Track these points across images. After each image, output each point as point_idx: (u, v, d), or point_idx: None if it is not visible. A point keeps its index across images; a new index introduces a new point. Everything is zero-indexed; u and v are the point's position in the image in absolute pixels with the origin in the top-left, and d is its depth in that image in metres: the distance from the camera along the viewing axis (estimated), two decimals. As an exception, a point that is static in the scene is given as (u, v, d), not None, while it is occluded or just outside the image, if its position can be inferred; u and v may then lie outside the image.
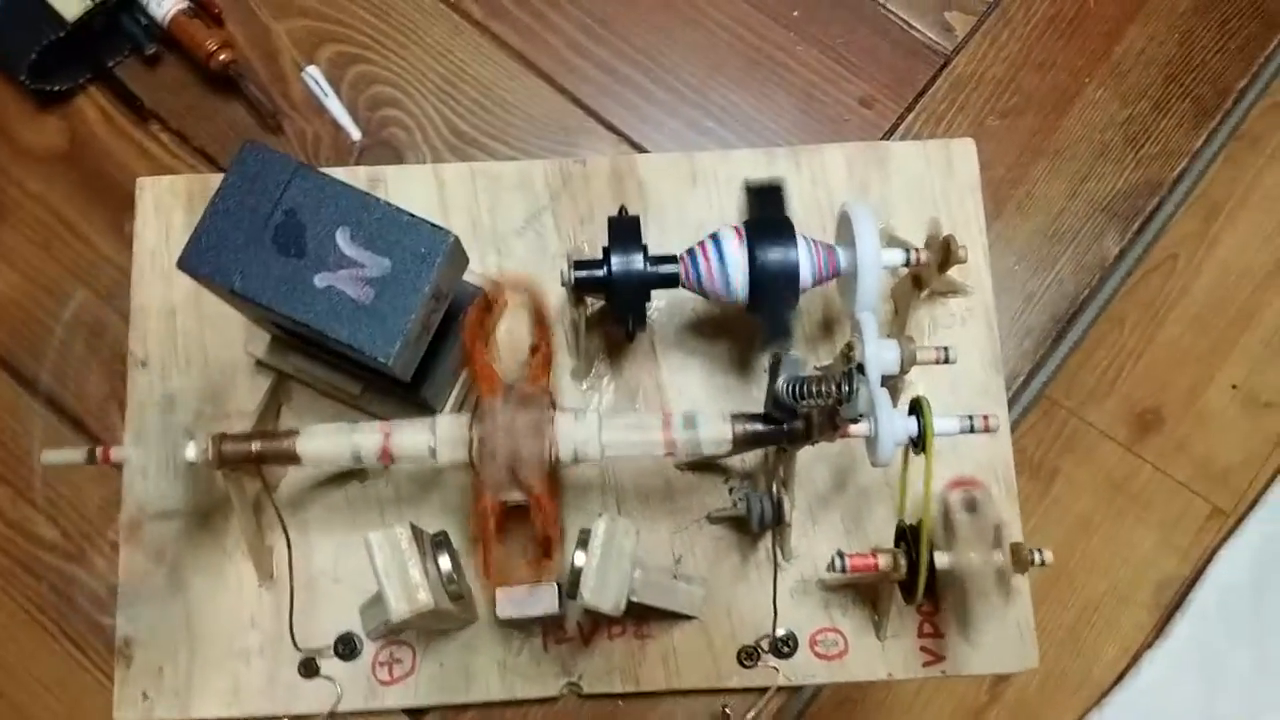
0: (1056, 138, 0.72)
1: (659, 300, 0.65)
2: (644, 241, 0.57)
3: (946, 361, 0.56)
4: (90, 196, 0.69)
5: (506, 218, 0.67)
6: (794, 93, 0.72)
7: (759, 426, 0.53)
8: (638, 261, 0.56)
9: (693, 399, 0.64)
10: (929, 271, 0.59)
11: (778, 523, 0.57)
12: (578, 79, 0.72)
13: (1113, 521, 1.15)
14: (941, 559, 0.54)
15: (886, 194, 0.68)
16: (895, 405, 0.54)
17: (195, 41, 0.69)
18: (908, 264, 0.58)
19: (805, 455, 0.59)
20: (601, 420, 0.53)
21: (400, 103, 0.71)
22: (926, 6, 0.74)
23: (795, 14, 0.74)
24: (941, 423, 0.53)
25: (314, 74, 0.71)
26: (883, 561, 0.55)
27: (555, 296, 0.64)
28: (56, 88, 0.71)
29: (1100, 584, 1.13)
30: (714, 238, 0.57)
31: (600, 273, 0.56)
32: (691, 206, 0.67)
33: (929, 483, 0.52)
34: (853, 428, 0.53)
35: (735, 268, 0.56)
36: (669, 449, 0.53)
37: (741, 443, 0.53)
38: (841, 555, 0.55)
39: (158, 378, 0.64)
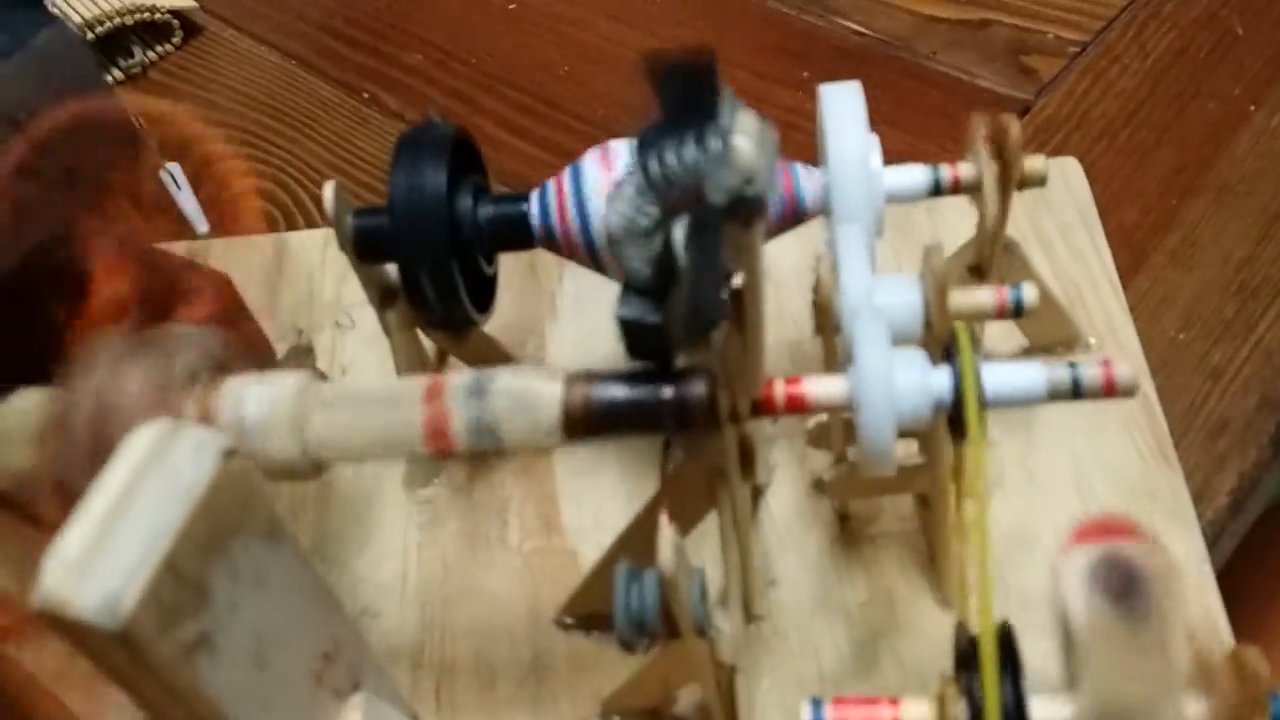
0: (1220, 172, 0.46)
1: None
2: (476, 174, 0.34)
3: (1018, 314, 0.28)
4: None
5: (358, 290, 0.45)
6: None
7: (621, 391, 0.26)
8: (437, 183, 0.32)
9: (608, 515, 0.37)
10: (989, 221, 0.33)
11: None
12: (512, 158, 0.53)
13: None
14: (1048, 708, 0.23)
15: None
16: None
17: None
18: (937, 190, 0.32)
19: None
20: (307, 385, 0.27)
21: (272, 194, 0.53)
22: (992, 53, 0.53)
23: (805, 74, 0.54)
24: (1000, 372, 0.25)
25: (172, 170, 0.55)
26: (913, 714, 0.24)
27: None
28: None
29: None
30: (576, 165, 0.33)
31: (385, 219, 0.33)
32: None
33: (984, 523, 0.24)
34: (816, 388, 0.25)
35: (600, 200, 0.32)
36: (435, 437, 0.26)
37: (581, 425, 0.26)
38: (817, 705, 0.24)
39: None
